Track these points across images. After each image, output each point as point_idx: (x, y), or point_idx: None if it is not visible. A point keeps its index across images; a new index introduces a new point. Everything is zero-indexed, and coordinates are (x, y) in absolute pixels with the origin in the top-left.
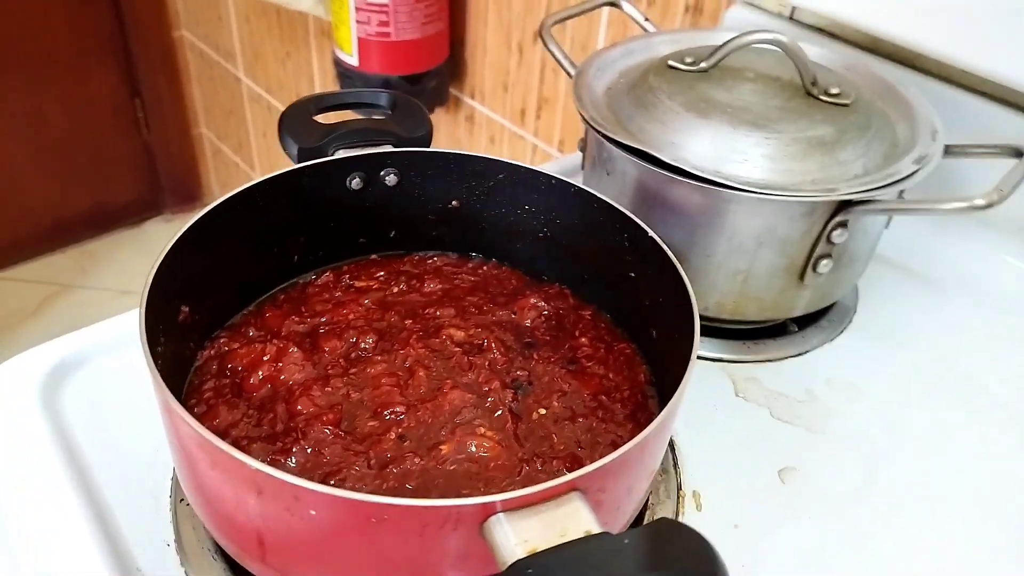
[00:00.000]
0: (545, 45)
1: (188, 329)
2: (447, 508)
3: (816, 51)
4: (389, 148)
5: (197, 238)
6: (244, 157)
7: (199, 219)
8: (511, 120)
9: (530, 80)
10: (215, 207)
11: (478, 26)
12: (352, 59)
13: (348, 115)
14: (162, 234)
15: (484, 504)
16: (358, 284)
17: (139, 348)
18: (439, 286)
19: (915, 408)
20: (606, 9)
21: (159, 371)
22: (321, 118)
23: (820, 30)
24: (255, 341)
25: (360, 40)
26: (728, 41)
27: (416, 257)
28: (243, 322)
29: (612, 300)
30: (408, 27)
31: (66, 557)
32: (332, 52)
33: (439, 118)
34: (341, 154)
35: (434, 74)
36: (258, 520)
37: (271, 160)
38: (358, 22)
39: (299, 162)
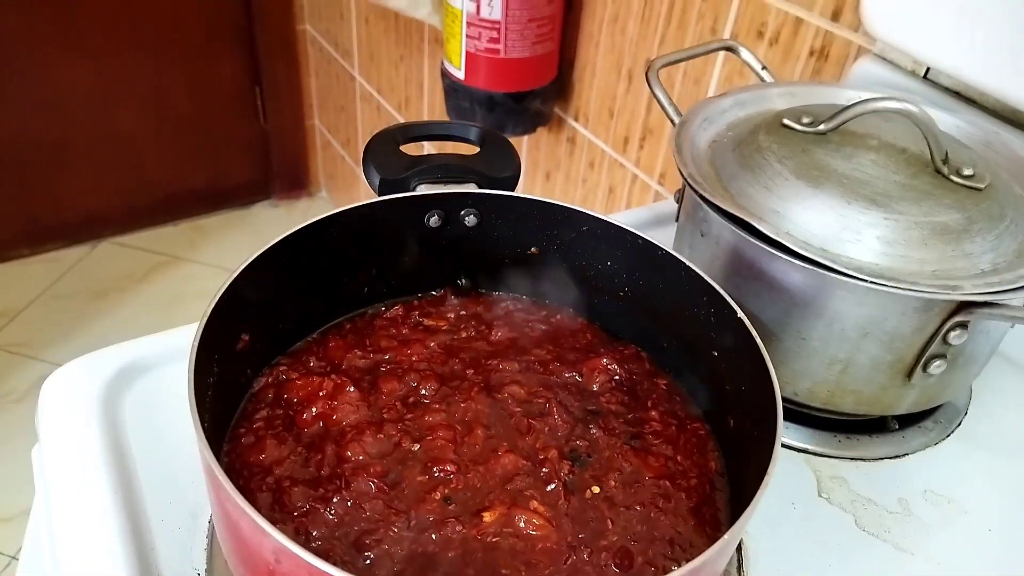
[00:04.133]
0: (651, 88)
1: (246, 355)
2: None
3: (950, 121)
4: (472, 188)
5: (265, 269)
6: (351, 152)
7: (267, 250)
8: (613, 147)
9: (637, 108)
10: (286, 237)
11: (589, 48)
12: (459, 72)
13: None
14: (269, 217)
15: None
16: (427, 323)
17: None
18: (508, 334)
19: None
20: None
21: (201, 419)
22: (408, 148)
23: (956, 94)
24: (314, 373)
25: (468, 55)
26: (852, 105)
27: (489, 298)
28: (305, 349)
29: (691, 375)
30: (519, 46)
31: (96, 563)
32: (441, 62)
33: (540, 137)
34: (422, 189)
35: (540, 93)
36: None
37: None
38: (468, 37)
39: (380, 193)
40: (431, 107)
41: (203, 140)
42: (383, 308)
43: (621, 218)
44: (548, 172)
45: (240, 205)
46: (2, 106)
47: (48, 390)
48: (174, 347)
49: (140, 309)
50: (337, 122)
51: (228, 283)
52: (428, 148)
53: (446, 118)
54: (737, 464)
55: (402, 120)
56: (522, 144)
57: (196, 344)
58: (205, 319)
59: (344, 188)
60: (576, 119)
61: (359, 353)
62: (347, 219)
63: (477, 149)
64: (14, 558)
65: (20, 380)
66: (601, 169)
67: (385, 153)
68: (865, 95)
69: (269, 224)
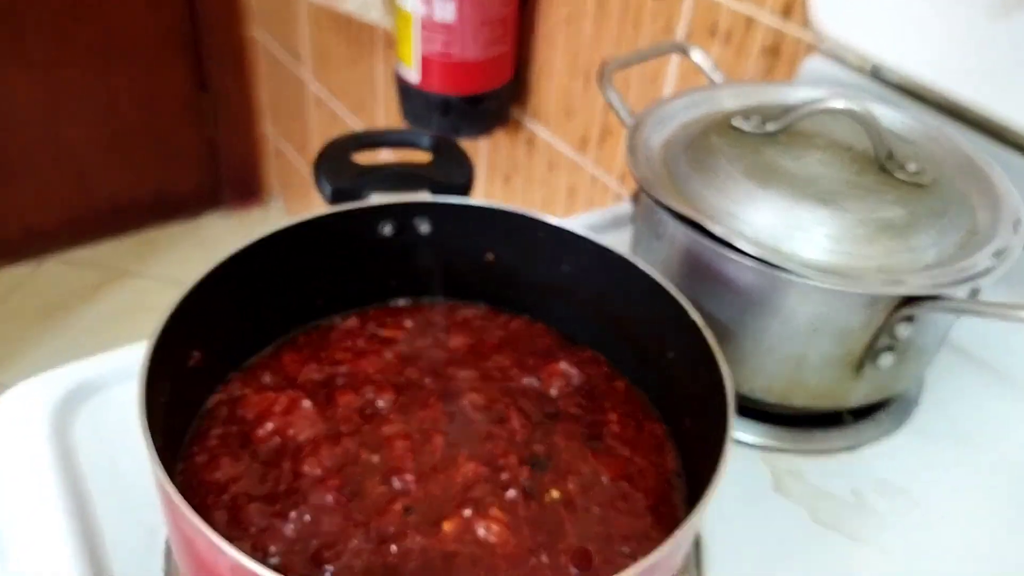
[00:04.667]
0: (603, 92)
1: (199, 373)
2: None
3: (896, 117)
4: (425, 196)
5: (215, 286)
6: (305, 159)
7: (216, 266)
8: (572, 147)
9: (594, 108)
10: (236, 253)
11: (545, 49)
12: (413, 76)
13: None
14: (220, 228)
15: None
16: (383, 333)
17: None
18: (465, 341)
19: (977, 526)
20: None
21: (154, 440)
22: (360, 157)
23: (903, 89)
24: (268, 389)
25: (422, 58)
26: (799, 105)
27: (446, 306)
28: (259, 364)
29: (648, 376)
30: (472, 48)
31: None
32: (394, 66)
33: (498, 139)
34: (375, 198)
35: (496, 95)
36: None
37: None
38: (421, 40)
39: (332, 202)
40: (386, 110)
41: (150, 150)
42: (338, 320)
43: (580, 220)
44: (508, 175)
45: (189, 215)
46: None
47: None
48: (125, 366)
49: (89, 326)
50: (290, 129)
51: (177, 302)
52: (384, 156)
53: (401, 121)
54: (694, 463)
55: (357, 124)
56: (481, 147)
57: (146, 365)
58: (154, 339)
59: (299, 196)
60: (534, 120)
61: (314, 366)
62: (298, 231)
63: (431, 156)
64: None
65: None
66: (561, 170)
67: (336, 162)
68: (812, 94)
69: (221, 235)
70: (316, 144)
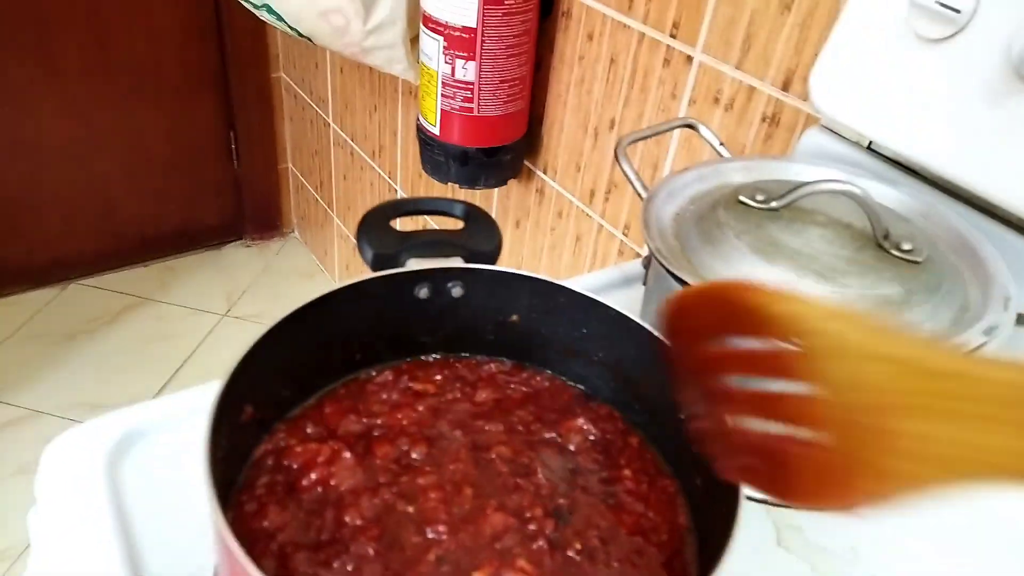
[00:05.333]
0: (619, 164)
1: (249, 426)
2: None
3: (891, 194)
4: (458, 262)
5: (268, 345)
6: (324, 195)
7: (272, 328)
8: (580, 198)
9: (602, 164)
10: (291, 314)
11: (557, 107)
12: (434, 128)
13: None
14: (240, 257)
15: None
16: (415, 387)
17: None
18: (491, 395)
19: None
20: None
21: (218, 496)
22: (398, 223)
23: (897, 163)
24: (312, 440)
25: (443, 112)
26: (801, 184)
27: (473, 361)
28: (302, 416)
29: (661, 434)
30: (491, 105)
31: None
32: (416, 117)
33: (511, 186)
34: (412, 263)
35: (511, 148)
36: None
37: (347, 202)
38: (443, 96)
39: (374, 267)
40: (404, 155)
41: (177, 183)
42: (374, 373)
43: (592, 279)
44: (518, 220)
45: (211, 246)
46: None
47: (50, 457)
48: (171, 413)
49: (110, 351)
50: (311, 166)
51: (235, 365)
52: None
53: (419, 167)
54: (704, 518)
55: (376, 167)
56: (494, 193)
57: (210, 425)
58: (216, 400)
59: (316, 228)
60: (545, 172)
61: (353, 418)
62: (347, 294)
63: (462, 224)
64: None
65: None
66: (569, 219)
67: (378, 229)
68: (813, 172)
69: (241, 264)
70: (336, 182)
